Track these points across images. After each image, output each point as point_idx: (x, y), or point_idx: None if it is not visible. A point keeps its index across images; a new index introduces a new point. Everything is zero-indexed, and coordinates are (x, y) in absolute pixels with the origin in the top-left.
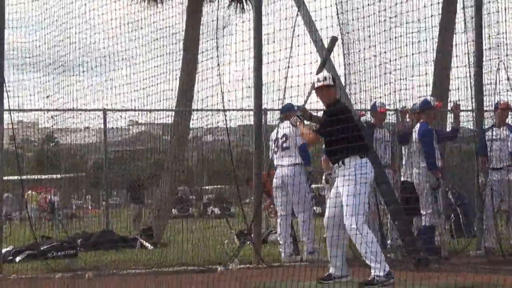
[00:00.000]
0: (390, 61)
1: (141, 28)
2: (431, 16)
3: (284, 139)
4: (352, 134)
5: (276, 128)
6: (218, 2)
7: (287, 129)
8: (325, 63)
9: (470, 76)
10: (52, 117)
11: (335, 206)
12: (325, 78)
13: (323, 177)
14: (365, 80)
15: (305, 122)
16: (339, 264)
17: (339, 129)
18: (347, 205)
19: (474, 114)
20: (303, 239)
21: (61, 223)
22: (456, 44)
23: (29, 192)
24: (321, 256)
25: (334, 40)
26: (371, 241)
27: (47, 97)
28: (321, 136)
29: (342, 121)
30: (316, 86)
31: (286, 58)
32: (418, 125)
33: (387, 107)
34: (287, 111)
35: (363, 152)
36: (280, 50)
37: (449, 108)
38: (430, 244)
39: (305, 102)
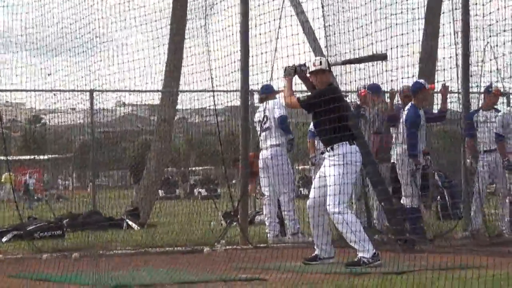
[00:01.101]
0: (377, 42)
1: (129, 9)
2: None
3: (264, 120)
4: (342, 118)
5: (257, 111)
6: None
7: (267, 110)
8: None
9: (456, 56)
10: (48, 74)
11: (319, 186)
12: (320, 63)
13: (309, 159)
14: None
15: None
16: (324, 246)
17: (329, 110)
18: (329, 194)
19: (460, 96)
20: (285, 220)
21: (48, 204)
22: (443, 24)
23: (5, 174)
24: (305, 237)
25: (382, 57)
26: (353, 221)
27: (48, 74)
28: (304, 109)
29: (333, 102)
30: (311, 70)
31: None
32: (407, 107)
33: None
34: (267, 92)
35: (352, 139)
36: (265, 32)
37: (436, 89)
38: (416, 225)
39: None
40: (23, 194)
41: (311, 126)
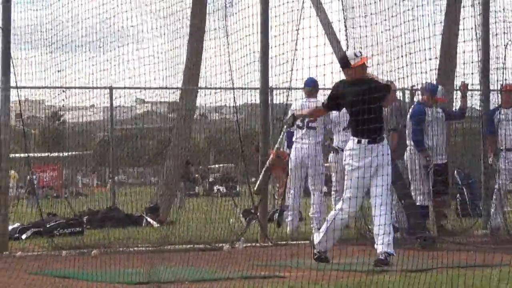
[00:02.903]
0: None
1: (148, 5)
2: None
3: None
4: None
5: (301, 102)
6: None
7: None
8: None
9: (478, 52)
10: (63, 91)
11: (364, 186)
12: (360, 53)
13: (329, 157)
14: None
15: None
16: (330, 244)
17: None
18: (387, 184)
19: (480, 93)
20: (315, 214)
21: (67, 201)
22: (463, 18)
23: (12, 171)
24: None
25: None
26: (390, 223)
27: (58, 71)
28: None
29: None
30: (362, 61)
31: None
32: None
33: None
34: (310, 86)
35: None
36: (287, 32)
37: (456, 86)
38: (420, 222)
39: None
40: (28, 193)
41: None
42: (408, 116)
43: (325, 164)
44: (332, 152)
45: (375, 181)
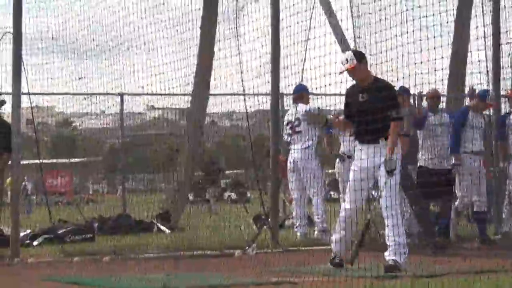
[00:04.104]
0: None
1: (160, 13)
2: None
3: (297, 122)
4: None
5: (288, 111)
6: None
7: (300, 112)
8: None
9: (486, 59)
10: (85, 98)
11: (361, 189)
12: (346, 61)
13: (336, 163)
14: (378, 64)
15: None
16: (343, 248)
17: (397, 104)
18: (390, 185)
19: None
20: (315, 219)
21: (78, 207)
22: (476, 27)
23: (9, 178)
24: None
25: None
26: (402, 224)
27: (79, 78)
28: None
29: (395, 97)
30: (342, 71)
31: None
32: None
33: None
34: (300, 92)
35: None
36: (297, 32)
37: (466, 92)
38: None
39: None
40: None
41: None
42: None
43: (331, 171)
44: (338, 159)
45: (379, 183)
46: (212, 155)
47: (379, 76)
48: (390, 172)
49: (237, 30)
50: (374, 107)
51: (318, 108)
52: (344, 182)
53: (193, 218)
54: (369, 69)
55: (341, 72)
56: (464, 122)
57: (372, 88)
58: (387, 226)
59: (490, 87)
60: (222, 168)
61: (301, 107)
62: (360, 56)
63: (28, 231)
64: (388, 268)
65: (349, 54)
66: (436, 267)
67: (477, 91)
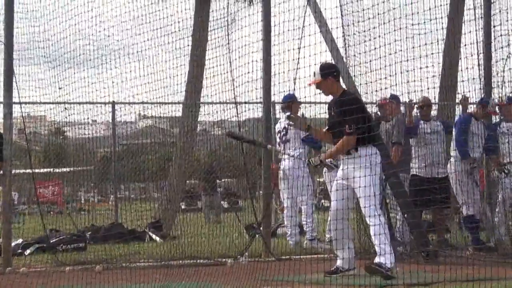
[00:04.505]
0: (396, 52)
1: (150, 21)
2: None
3: (284, 131)
4: (362, 119)
5: (279, 120)
6: None
7: (287, 121)
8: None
9: (479, 67)
10: (65, 108)
11: (343, 198)
12: (314, 74)
13: (324, 171)
14: (370, 72)
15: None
16: (346, 257)
17: (358, 119)
18: (365, 196)
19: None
20: (305, 228)
21: (70, 216)
22: (464, 34)
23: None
24: (322, 244)
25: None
26: (386, 232)
27: (59, 88)
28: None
29: (355, 111)
30: (309, 84)
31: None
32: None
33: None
34: (288, 100)
35: (372, 141)
36: (288, 40)
37: (457, 100)
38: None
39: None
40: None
41: None
42: (454, 125)
43: (322, 179)
44: (325, 168)
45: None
46: (209, 163)
47: (368, 85)
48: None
49: (228, 38)
50: (337, 122)
51: (303, 114)
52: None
53: (185, 226)
54: (356, 78)
55: (309, 85)
56: (467, 129)
57: (337, 103)
58: (371, 235)
59: (482, 95)
60: (219, 176)
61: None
62: (325, 72)
63: (20, 240)
64: (368, 268)
65: (317, 68)
66: (428, 275)
67: (469, 99)
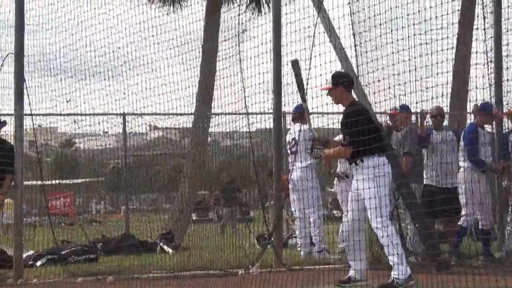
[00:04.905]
0: (404, 60)
1: (161, 33)
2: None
3: (293, 143)
4: (370, 130)
5: (290, 129)
6: (240, 6)
7: (297, 133)
8: (301, 87)
9: (489, 75)
10: (74, 121)
11: (358, 209)
12: (326, 80)
13: (334, 182)
14: (379, 81)
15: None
16: (358, 268)
17: (359, 131)
18: (370, 208)
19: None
20: (313, 239)
21: (81, 228)
22: (475, 39)
23: (7, 199)
24: (331, 255)
25: (294, 63)
26: (397, 242)
27: (67, 101)
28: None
29: (360, 123)
30: (321, 89)
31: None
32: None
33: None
34: (299, 111)
35: (381, 151)
36: (300, 50)
37: (469, 110)
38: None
39: (310, 127)
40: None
41: None
42: (463, 134)
43: (333, 189)
44: (336, 178)
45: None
46: (229, 174)
47: (377, 93)
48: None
49: (239, 48)
50: (344, 132)
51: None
52: (344, 201)
53: (196, 237)
54: (366, 88)
55: (321, 89)
56: (476, 138)
57: (343, 114)
58: (382, 246)
59: (493, 102)
60: (240, 188)
61: (297, 128)
62: (336, 79)
63: (31, 252)
64: (381, 286)
65: (330, 75)
66: (440, 285)
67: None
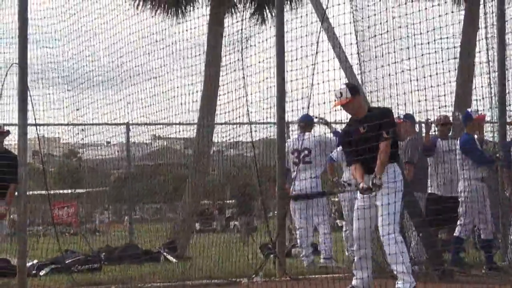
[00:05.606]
0: (410, 69)
1: (163, 39)
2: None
3: (306, 152)
4: (395, 139)
5: (293, 138)
6: (243, 15)
7: (308, 141)
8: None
9: (492, 85)
10: (82, 129)
11: (364, 217)
12: (341, 94)
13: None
14: (383, 88)
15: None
16: (365, 277)
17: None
18: (383, 215)
19: (495, 125)
20: (320, 247)
21: (85, 237)
22: (479, 51)
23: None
24: (337, 263)
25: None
26: (404, 251)
27: (77, 109)
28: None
29: (391, 123)
30: (336, 104)
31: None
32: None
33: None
34: (307, 120)
35: (397, 160)
36: (301, 57)
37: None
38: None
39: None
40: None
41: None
42: (459, 147)
43: (337, 199)
44: (339, 187)
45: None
46: (244, 181)
47: (381, 103)
48: (367, 190)
49: (242, 57)
50: (375, 136)
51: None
52: (347, 210)
53: (200, 247)
54: (368, 96)
55: (334, 106)
56: (476, 146)
57: (369, 117)
58: (387, 254)
59: (497, 113)
60: (255, 196)
61: (311, 136)
62: (353, 90)
63: (35, 261)
64: None
65: (343, 87)
66: None
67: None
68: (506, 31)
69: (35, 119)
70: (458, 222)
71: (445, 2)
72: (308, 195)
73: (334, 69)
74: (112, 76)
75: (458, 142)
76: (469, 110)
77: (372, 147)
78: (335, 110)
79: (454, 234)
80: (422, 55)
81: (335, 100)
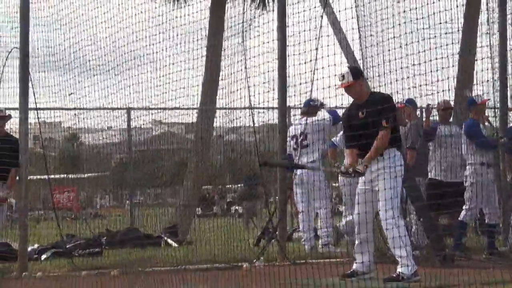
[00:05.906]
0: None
1: (163, 23)
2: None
3: (303, 137)
4: (395, 124)
5: (294, 124)
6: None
7: (305, 125)
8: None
9: (493, 70)
10: (75, 114)
11: (365, 201)
12: (343, 77)
13: (339, 176)
14: (384, 74)
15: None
16: (365, 260)
17: (391, 114)
18: (385, 199)
19: (496, 110)
20: (320, 232)
21: (86, 222)
22: (481, 35)
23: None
24: (334, 248)
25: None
26: (405, 235)
27: (69, 94)
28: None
29: (391, 109)
30: (338, 87)
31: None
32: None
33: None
34: (308, 106)
35: (398, 145)
36: (304, 41)
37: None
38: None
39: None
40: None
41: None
42: (464, 133)
43: (337, 184)
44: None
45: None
46: (253, 168)
47: (382, 88)
48: (345, 174)
49: (244, 42)
50: (373, 121)
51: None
52: (347, 195)
53: (201, 232)
54: (370, 82)
55: (337, 88)
56: (480, 130)
57: (369, 102)
58: (388, 238)
59: (498, 98)
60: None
61: (309, 121)
62: (356, 73)
63: (36, 245)
64: (386, 279)
65: (345, 70)
66: (445, 278)
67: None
68: (507, 15)
69: (35, 103)
70: (464, 207)
71: None
72: (304, 167)
73: (334, 54)
74: (114, 61)
75: (463, 127)
76: (473, 97)
77: (370, 133)
78: (342, 94)
79: (459, 219)
80: (424, 39)
81: (339, 83)
